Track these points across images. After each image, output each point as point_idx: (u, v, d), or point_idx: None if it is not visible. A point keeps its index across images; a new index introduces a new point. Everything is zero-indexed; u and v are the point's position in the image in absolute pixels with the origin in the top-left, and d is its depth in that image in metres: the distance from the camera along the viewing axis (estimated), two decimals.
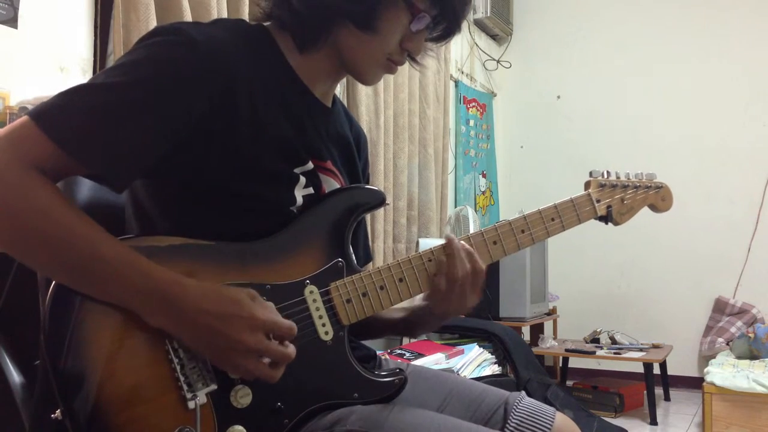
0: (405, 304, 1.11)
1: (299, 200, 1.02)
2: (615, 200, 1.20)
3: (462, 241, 1.07)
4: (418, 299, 1.12)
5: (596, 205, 1.18)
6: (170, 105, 0.90)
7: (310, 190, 1.04)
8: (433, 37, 1.10)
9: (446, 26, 1.08)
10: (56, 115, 0.86)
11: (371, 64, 1.07)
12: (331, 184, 1.08)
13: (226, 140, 0.95)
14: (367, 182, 1.27)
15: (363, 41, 1.03)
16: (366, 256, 1.23)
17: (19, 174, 0.83)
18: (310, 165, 1.04)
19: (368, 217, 1.18)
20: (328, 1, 1.00)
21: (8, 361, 1.08)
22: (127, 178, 0.92)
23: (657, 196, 1.24)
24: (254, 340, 0.86)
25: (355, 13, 1.01)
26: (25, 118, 0.86)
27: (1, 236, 0.84)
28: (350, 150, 1.18)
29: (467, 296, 1.06)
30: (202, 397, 0.89)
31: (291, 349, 0.90)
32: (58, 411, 0.85)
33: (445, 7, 1.04)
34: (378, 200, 1.07)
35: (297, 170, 1.02)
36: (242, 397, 0.91)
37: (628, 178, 1.23)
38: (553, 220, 1.14)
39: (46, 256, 0.85)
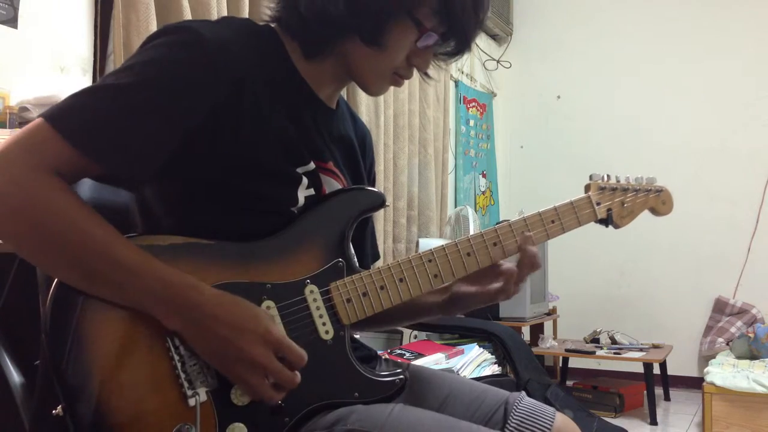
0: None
1: (301, 200, 1.02)
2: (615, 203, 1.19)
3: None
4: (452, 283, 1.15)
5: (596, 208, 1.18)
6: (180, 104, 0.91)
7: (311, 191, 1.04)
8: (443, 53, 1.09)
9: (456, 44, 1.07)
10: (71, 117, 0.87)
11: (377, 77, 1.07)
12: (332, 185, 1.08)
13: (231, 139, 0.95)
14: (373, 182, 1.27)
15: (369, 55, 1.03)
16: (374, 255, 1.25)
17: (38, 179, 0.84)
18: (312, 165, 1.04)
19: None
20: (336, 14, 0.99)
21: (8, 361, 1.09)
22: (142, 176, 0.94)
23: (657, 200, 1.24)
24: (264, 355, 0.87)
25: (362, 28, 1.00)
26: (39, 120, 0.86)
27: (22, 243, 0.85)
28: (353, 151, 1.18)
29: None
30: (202, 395, 0.89)
31: (297, 377, 0.91)
32: (59, 407, 0.85)
33: (454, 26, 1.03)
34: (378, 202, 1.07)
35: (299, 170, 1.02)
36: (243, 395, 0.91)
37: (628, 182, 1.22)
38: (552, 222, 1.14)
39: (65, 261, 0.86)
